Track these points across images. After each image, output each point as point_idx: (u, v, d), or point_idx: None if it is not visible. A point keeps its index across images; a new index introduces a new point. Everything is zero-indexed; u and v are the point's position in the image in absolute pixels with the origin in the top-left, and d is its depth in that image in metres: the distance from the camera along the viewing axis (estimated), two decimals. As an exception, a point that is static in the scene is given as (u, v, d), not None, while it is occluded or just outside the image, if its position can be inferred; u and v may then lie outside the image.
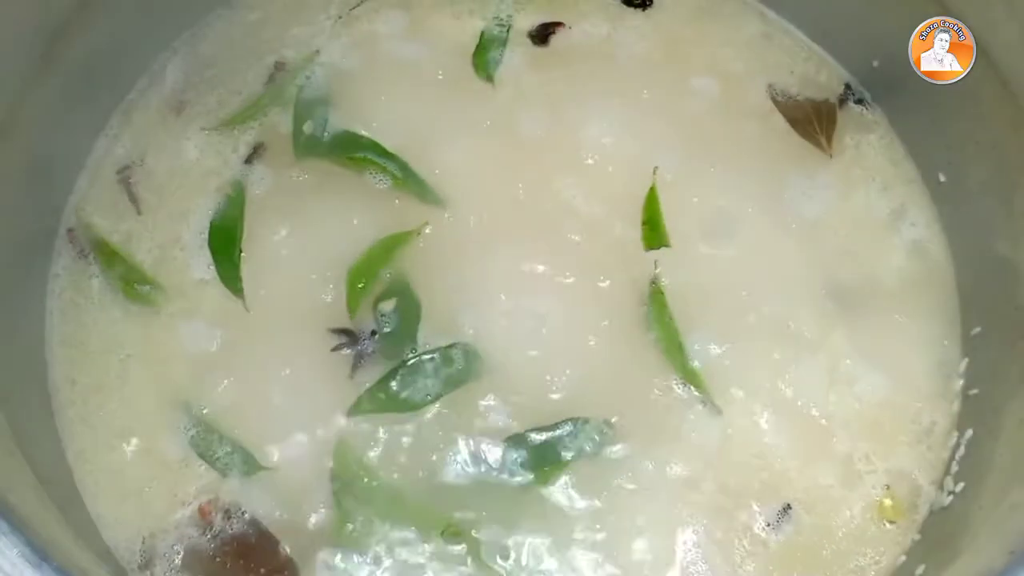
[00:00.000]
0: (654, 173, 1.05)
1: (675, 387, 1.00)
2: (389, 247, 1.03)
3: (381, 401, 0.98)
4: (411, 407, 0.98)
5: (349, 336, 1.01)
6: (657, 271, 1.03)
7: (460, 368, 0.99)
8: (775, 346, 1.02)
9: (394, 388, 0.98)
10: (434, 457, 0.97)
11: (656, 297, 1.02)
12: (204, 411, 0.99)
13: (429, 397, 0.98)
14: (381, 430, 0.98)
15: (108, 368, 1.01)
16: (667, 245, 1.03)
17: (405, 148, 1.07)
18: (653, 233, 1.04)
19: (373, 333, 1.01)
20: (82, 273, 1.04)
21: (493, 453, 0.97)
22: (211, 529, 0.95)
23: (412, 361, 0.99)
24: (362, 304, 1.01)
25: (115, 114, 1.10)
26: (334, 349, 1.00)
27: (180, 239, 1.05)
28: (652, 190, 1.05)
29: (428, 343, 1.00)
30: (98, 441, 0.99)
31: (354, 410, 0.98)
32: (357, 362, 1.00)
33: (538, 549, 0.95)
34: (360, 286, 1.02)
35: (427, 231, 1.04)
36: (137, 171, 1.08)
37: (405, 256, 1.04)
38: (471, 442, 0.98)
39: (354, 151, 1.07)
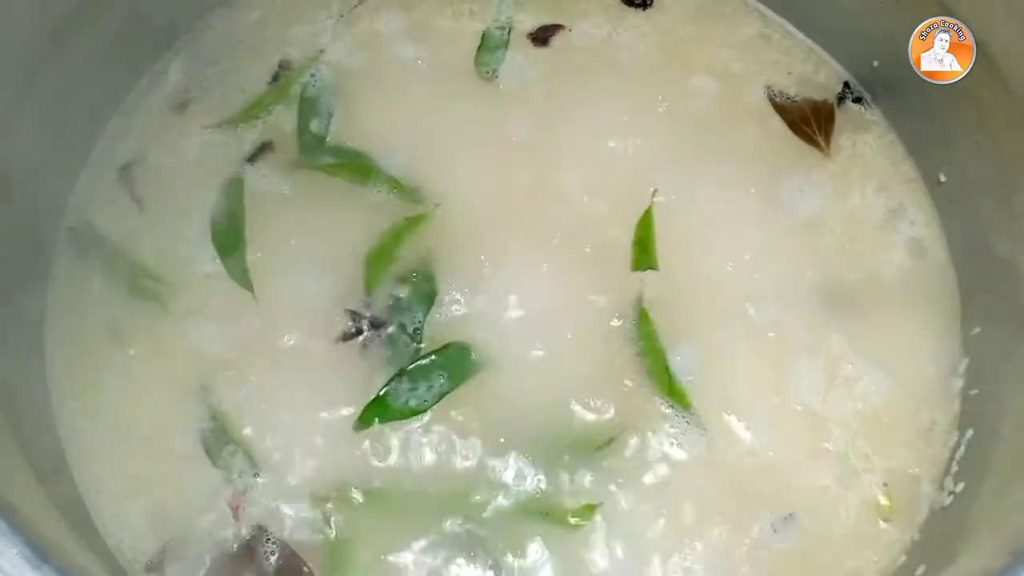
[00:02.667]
0: (652, 195, 1.05)
1: (662, 401, 1.00)
2: (401, 232, 1.04)
3: (385, 410, 0.98)
4: (414, 412, 0.98)
5: (359, 315, 1.02)
6: (643, 288, 1.03)
7: (456, 367, 0.99)
8: (773, 348, 1.02)
9: (395, 396, 0.98)
10: (436, 462, 0.97)
11: (642, 317, 1.01)
12: (213, 409, 0.99)
13: (427, 401, 0.98)
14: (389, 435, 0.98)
15: (111, 365, 1.01)
16: (654, 268, 1.03)
17: (407, 148, 1.08)
18: (643, 254, 1.04)
19: (383, 324, 1.01)
20: (83, 272, 1.04)
21: (495, 462, 0.98)
22: (242, 532, 0.95)
23: (411, 367, 0.99)
24: (379, 286, 1.02)
25: (116, 113, 1.10)
26: (346, 311, 1.01)
27: (183, 235, 1.05)
28: (648, 212, 1.05)
29: (432, 336, 1.01)
30: (100, 437, 0.99)
31: (360, 425, 0.98)
32: (353, 335, 1.01)
33: (538, 552, 0.95)
34: (378, 269, 1.02)
35: (438, 212, 1.05)
36: (139, 168, 1.08)
37: (410, 250, 1.04)
38: (475, 447, 0.98)
39: (347, 162, 1.08)
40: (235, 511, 0.95)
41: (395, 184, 1.06)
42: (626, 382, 1.00)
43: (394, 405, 0.98)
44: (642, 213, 1.05)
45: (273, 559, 0.94)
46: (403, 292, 1.02)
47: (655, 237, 1.04)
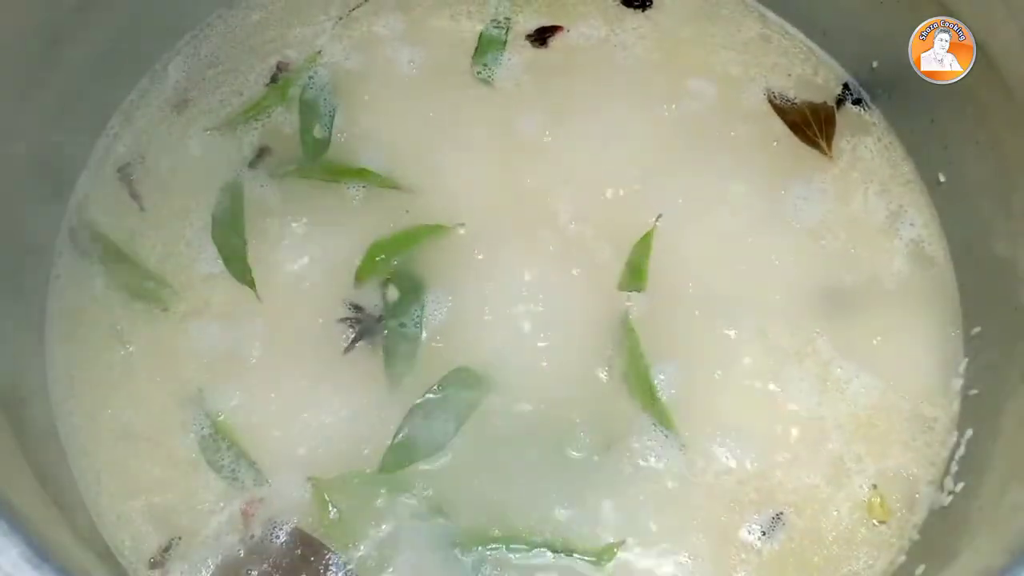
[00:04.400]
0: (656, 220, 1.05)
1: (646, 418, 0.99)
2: (417, 236, 1.04)
3: (407, 453, 0.97)
4: (438, 447, 0.97)
5: (358, 311, 1.01)
6: (629, 303, 1.02)
7: (466, 393, 0.99)
8: (772, 351, 1.02)
9: (415, 435, 0.97)
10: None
11: (628, 332, 1.01)
12: (215, 413, 0.99)
13: (448, 434, 0.97)
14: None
15: (111, 365, 1.01)
16: (640, 290, 1.02)
17: (403, 150, 1.08)
18: (633, 275, 1.03)
19: (380, 318, 1.01)
20: (84, 273, 1.04)
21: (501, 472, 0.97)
22: (252, 537, 0.95)
23: (420, 402, 0.98)
24: (374, 276, 1.02)
25: (116, 114, 1.10)
26: (341, 320, 1.01)
27: (184, 235, 1.05)
28: (648, 235, 1.04)
29: (429, 337, 1.01)
30: (100, 437, 0.99)
31: (385, 468, 0.96)
32: (358, 338, 1.01)
33: (537, 561, 0.94)
34: (378, 259, 1.02)
35: (461, 232, 1.05)
36: (138, 168, 1.08)
37: (418, 251, 1.04)
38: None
39: (348, 167, 1.08)
40: (246, 516, 0.95)
41: (391, 184, 1.06)
42: (612, 398, 0.99)
43: (416, 445, 0.97)
44: (640, 232, 1.04)
45: (279, 541, 0.94)
46: (394, 292, 1.02)
47: (649, 261, 1.03)
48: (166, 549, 0.95)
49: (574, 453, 0.97)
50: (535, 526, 0.95)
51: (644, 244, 1.04)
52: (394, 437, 0.97)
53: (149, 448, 0.98)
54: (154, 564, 0.94)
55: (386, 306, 1.01)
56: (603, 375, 1.00)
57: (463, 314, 1.02)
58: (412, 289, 1.02)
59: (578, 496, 0.96)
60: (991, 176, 0.99)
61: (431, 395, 0.98)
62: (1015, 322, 0.96)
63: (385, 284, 1.02)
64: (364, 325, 1.01)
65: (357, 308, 1.02)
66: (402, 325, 1.01)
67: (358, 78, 1.12)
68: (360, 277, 1.02)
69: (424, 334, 1.01)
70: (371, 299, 1.02)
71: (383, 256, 1.03)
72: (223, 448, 0.97)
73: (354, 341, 1.00)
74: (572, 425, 0.98)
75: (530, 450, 0.97)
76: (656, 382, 0.99)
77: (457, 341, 1.01)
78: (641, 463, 0.97)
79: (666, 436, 0.98)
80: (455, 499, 0.96)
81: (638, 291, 1.02)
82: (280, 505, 0.96)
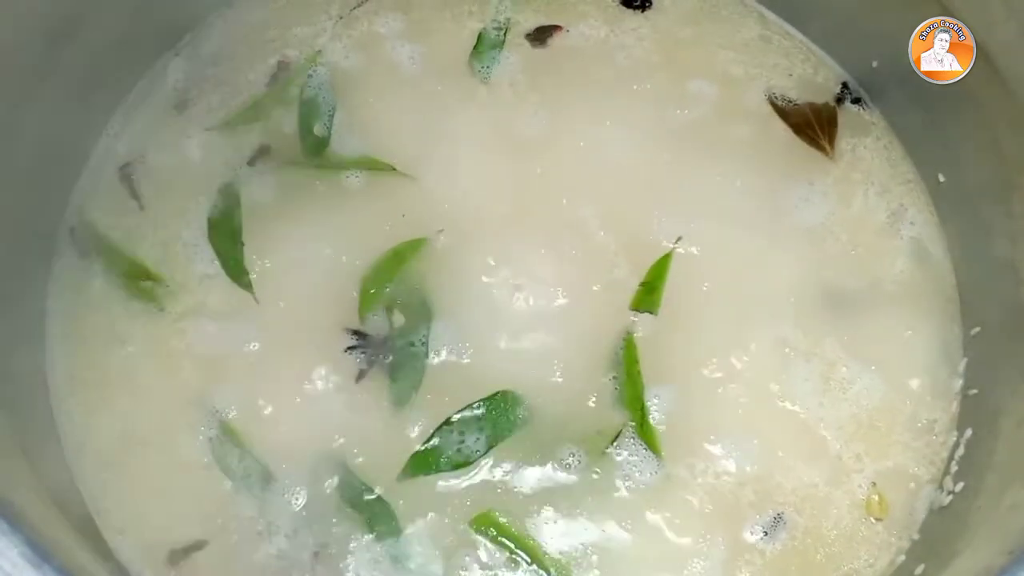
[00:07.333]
0: (675, 242, 1.04)
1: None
2: (402, 253, 1.03)
3: (430, 463, 0.96)
4: (464, 463, 0.97)
5: (362, 338, 1.01)
6: (634, 319, 1.02)
7: (504, 418, 0.98)
8: (770, 352, 1.02)
9: (442, 448, 0.97)
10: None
11: (627, 348, 1.01)
12: (213, 414, 0.99)
13: (477, 452, 0.97)
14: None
15: (110, 365, 1.01)
16: (653, 312, 1.02)
17: (402, 149, 1.08)
18: (647, 296, 1.02)
19: (385, 340, 1.01)
20: (83, 272, 1.04)
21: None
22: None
23: (456, 417, 0.97)
24: (374, 309, 1.02)
25: (116, 114, 1.10)
26: (347, 350, 1.00)
27: (182, 236, 1.05)
28: (666, 258, 1.03)
29: (435, 354, 1.00)
30: (100, 436, 0.99)
31: (404, 475, 0.96)
32: (368, 366, 1.00)
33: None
34: (372, 291, 1.02)
35: (441, 239, 1.04)
36: (138, 168, 1.08)
37: (411, 263, 1.04)
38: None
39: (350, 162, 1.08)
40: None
41: (390, 167, 1.06)
42: (610, 413, 0.99)
43: (442, 457, 0.97)
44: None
45: None
46: (399, 318, 1.01)
47: (665, 282, 1.03)
48: (172, 551, 0.95)
49: (570, 466, 0.97)
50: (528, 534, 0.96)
51: (661, 266, 1.03)
52: (423, 444, 0.97)
53: (148, 447, 0.99)
54: (172, 559, 0.94)
55: (391, 329, 1.01)
56: (602, 392, 1.00)
57: (467, 326, 1.01)
58: (418, 311, 1.02)
59: (573, 507, 0.96)
60: (991, 176, 1.00)
61: (468, 412, 0.98)
62: (1015, 322, 0.97)
63: (389, 311, 1.01)
64: (372, 351, 1.00)
65: (361, 335, 1.01)
66: (411, 344, 1.00)
67: (358, 77, 1.12)
68: (362, 313, 1.01)
69: (430, 353, 1.00)
70: (374, 323, 1.02)
71: (375, 289, 1.02)
72: (225, 450, 0.97)
73: (364, 369, 1.00)
74: (570, 437, 0.98)
75: (526, 460, 0.97)
76: (651, 394, 0.99)
77: (461, 355, 1.01)
78: (637, 475, 0.97)
79: (646, 450, 0.98)
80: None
81: (651, 312, 1.02)
82: (280, 508, 0.96)
